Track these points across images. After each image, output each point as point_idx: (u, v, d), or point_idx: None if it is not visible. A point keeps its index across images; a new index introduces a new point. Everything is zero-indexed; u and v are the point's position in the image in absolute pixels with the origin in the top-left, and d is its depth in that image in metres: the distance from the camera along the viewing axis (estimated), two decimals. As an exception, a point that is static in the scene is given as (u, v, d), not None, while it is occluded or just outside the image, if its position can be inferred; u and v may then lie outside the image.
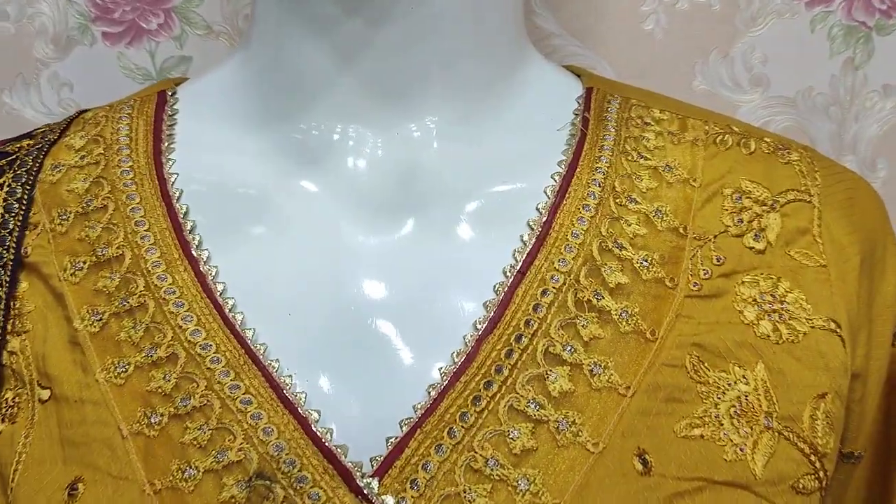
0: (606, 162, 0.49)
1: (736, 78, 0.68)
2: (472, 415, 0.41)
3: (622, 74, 0.67)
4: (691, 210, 0.48)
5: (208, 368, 0.42)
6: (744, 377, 0.42)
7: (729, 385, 0.42)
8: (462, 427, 0.41)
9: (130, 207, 0.47)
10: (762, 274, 0.46)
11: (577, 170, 0.48)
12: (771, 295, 0.45)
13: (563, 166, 0.48)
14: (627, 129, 0.51)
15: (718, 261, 0.46)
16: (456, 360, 0.43)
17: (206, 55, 0.68)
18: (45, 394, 0.43)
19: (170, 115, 0.51)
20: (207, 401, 0.42)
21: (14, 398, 0.44)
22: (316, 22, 0.46)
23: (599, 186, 0.48)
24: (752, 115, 0.68)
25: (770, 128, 0.68)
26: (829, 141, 0.68)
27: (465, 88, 0.48)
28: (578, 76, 0.55)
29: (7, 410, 0.43)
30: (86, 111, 0.54)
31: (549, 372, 0.42)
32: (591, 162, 0.48)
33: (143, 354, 0.43)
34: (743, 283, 0.45)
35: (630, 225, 0.47)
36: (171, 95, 0.53)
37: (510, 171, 0.48)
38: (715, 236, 0.47)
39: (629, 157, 0.49)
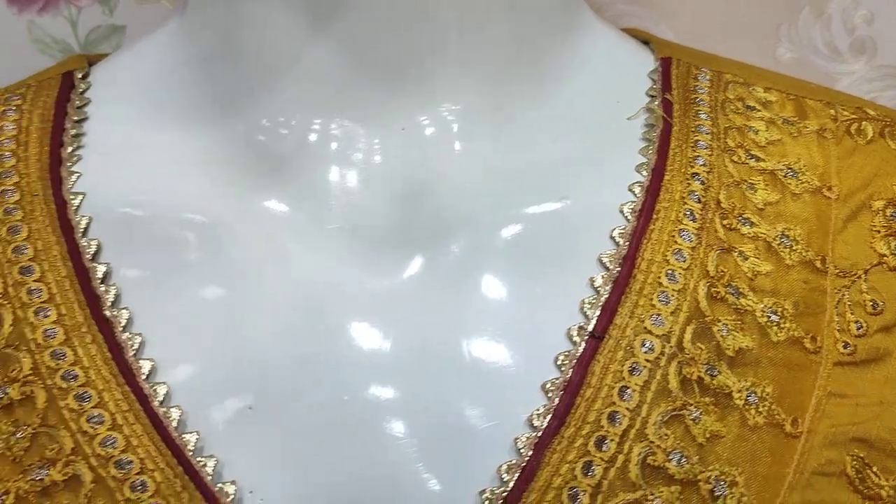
0: (705, 165, 0.34)
1: (833, 43, 0.57)
2: None
3: (684, 41, 0.54)
4: (829, 233, 0.34)
5: (127, 500, 0.29)
6: None
7: None
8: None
9: (13, 246, 0.33)
10: None
11: (666, 177, 0.34)
12: None
13: (644, 172, 0.34)
14: (726, 117, 0.36)
15: (875, 307, 0.33)
16: (506, 478, 0.29)
17: (144, 24, 0.56)
18: None
19: (77, 108, 0.37)
20: None
21: None
22: None
23: (699, 202, 0.33)
24: (854, 89, 0.57)
25: (875, 107, 0.56)
26: (950, 123, 0.56)
27: (497, 64, 0.35)
28: (645, 43, 0.40)
29: None
30: (-38, 103, 0.39)
31: (649, 497, 0.28)
32: (683, 165, 0.34)
33: (29, 478, 0.29)
34: None
35: (747, 259, 0.32)
36: (82, 79, 0.38)
37: (566, 182, 0.34)
38: (866, 271, 0.33)
39: (735, 158, 0.35)
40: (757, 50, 0.56)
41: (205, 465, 0.29)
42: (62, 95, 0.37)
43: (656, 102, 0.37)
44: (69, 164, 0.35)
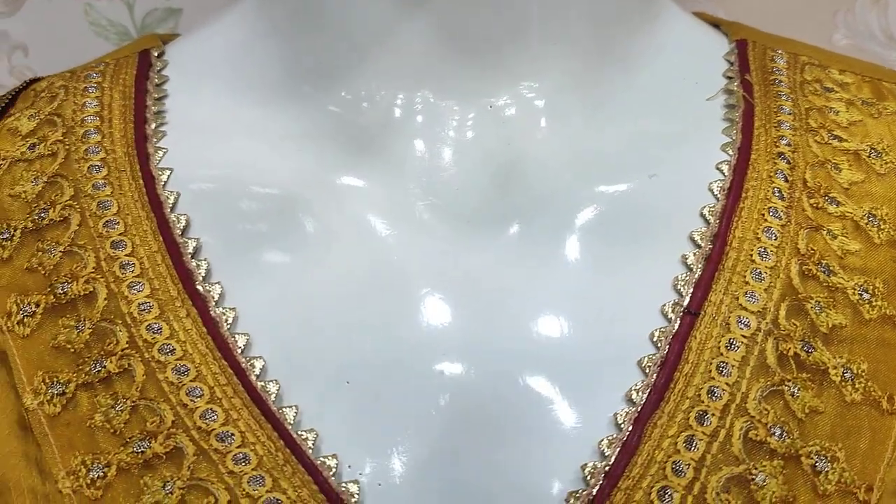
0: (790, 145, 0.34)
1: (889, 30, 0.57)
2: None
3: (740, 27, 0.53)
4: None
5: (230, 472, 0.28)
6: None
7: None
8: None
9: (104, 221, 0.33)
10: None
11: (753, 156, 0.34)
12: None
13: (730, 151, 0.34)
14: (806, 98, 0.36)
15: None
16: (607, 452, 0.28)
17: (200, 7, 0.56)
18: None
19: (157, 85, 0.37)
20: None
21: None
22: None
23: (786, 181, 0.33)
24: (910, 77, 0.54)
25: (931, 94, 0.55)
26: None
27: (580, 45, 0.35)
28: (715, 26, 0.40)
29: None
30: (38, 80, 0.39)
31: (753, 471, 0.28)
32: (768, 145, 0.34)
33: (130, 450, 0.29)
34: None
35: (836, 237, 0.32)
36: (158, 57, 0.38)
37: (652, 160, 0.34)
38: None
39: (818, 138, 0.35)
40: (813, 35, 0.52)
41: (305, 439, 0.29)
42: (141, 73, 0.37)
43: (735, 84, 0.37)
44: (154, 140, 0.35)
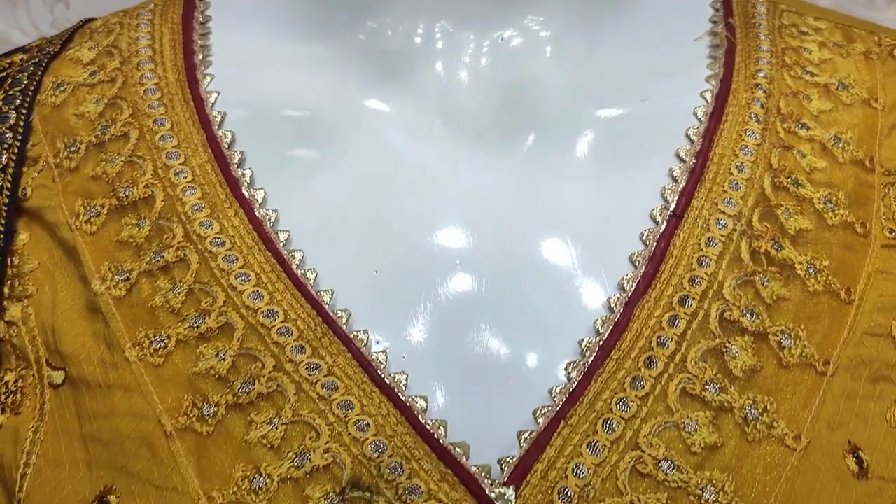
0: (766, 77, 0.38)
1: None
2: (632, 402, 0.31)
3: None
4: (876, 138, 0.38)
5: (275, 343, 0.33)
6: None
7: None
8: (621, 418, 0.31)
9: (159, 135, 0.37)
10: None
11: (733, 86, 0.38)
12: None
13: (713, 82, 0.38)
14: (783, 39, 0.40)
15: None
16: (601, 330, 0.33)
17: None
18: (58, 376, 0.34)
19: (201, 23, 0.41)
20: (278, 385, 0.32)
21: (16, 381, 0.35)
22: None
23: (762, 107, 0.37)
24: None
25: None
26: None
27: None
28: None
29: (8, 398, 0.34)
30: (92, 20, 0.43)
31: (727, 344, 0.32)
32: (747, 77, 0.38)
33: (187, 325, 0.33)
34: None
35: (805, 156, 0.37)
36: (200, -1, 0.42)
37: (645, 88, 0.38)
38: None
39: (792, 73, 0.39)
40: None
41: (340, 317, 0.33)
42: (187, 12, 0.41)
43: (719, 27, 0.41)
44: (203, 68, 0.39)
